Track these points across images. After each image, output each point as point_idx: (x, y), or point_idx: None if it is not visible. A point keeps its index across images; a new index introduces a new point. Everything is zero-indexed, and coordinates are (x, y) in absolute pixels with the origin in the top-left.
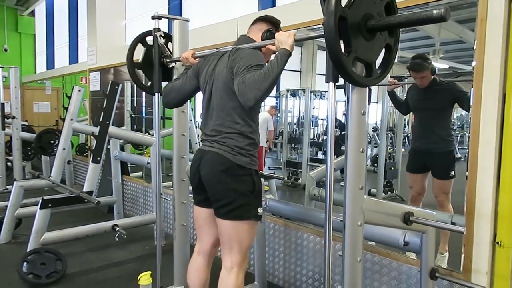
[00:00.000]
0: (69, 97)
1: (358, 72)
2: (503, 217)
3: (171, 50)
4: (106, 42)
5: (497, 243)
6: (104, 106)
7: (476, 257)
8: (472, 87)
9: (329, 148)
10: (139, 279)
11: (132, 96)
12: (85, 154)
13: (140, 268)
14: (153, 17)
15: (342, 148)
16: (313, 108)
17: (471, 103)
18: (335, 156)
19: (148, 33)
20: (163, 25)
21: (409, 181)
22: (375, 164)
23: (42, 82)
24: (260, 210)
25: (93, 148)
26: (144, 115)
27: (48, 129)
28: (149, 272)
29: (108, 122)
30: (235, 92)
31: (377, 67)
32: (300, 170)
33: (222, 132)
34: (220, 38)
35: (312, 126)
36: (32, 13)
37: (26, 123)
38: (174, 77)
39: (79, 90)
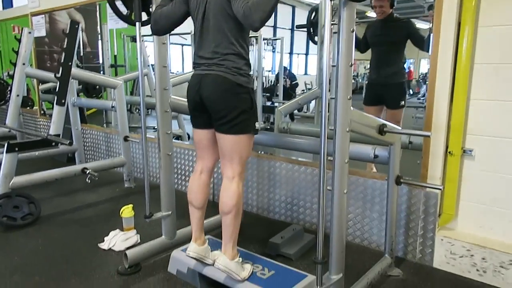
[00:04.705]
0: (19, 40)
1: None
2: (454, 130)
3: None
4: None
5: (449, 152)
6: (65, 46)
7: (432, 166)
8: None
9: (324, 80)
10: (122, 212)
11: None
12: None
13: (116, 207)
14: None
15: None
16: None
17: (430, 35)
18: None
19: None
20: None
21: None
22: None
23: None
24: (257, 125)
25: (57, 90)
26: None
27: None
28: (131, 205)
29: (70, 64)
30: (230, 14)
31: None
32: None
33: (219, 53)
34: None
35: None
36: None
37: None
38: (154, 5)
39: (29, 32)
